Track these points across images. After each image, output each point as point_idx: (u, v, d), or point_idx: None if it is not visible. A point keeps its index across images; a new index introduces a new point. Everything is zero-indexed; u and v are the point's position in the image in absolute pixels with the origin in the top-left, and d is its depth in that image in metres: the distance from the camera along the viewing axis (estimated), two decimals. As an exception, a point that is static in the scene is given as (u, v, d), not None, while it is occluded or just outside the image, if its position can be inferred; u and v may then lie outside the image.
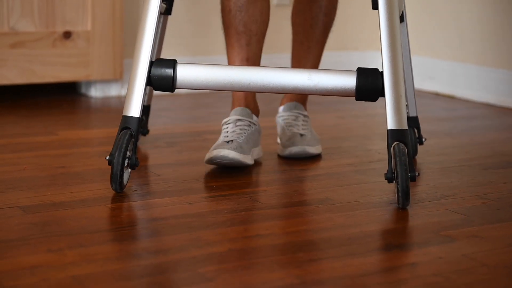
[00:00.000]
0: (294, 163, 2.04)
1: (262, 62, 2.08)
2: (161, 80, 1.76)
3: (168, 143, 2.23)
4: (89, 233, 1.51)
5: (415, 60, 2.45)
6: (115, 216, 1.62)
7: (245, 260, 1.40)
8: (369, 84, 1.74)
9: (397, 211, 1.67)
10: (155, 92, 2.54)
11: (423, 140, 2.12)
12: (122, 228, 1.56)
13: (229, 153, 1.87)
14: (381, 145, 2.27)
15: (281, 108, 2.20)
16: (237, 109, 2.00)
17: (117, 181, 1.69)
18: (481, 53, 3.04)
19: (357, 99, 1.76)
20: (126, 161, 1.71)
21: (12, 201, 1.67)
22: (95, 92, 2.87)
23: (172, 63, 1.76)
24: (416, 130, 2.11)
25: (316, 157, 2.10)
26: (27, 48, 2.65)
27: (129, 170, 1.75)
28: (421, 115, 2.27)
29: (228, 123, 1.98)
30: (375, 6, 1.74)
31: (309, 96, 2.36)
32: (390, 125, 1.69)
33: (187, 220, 1.59)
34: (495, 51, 3.00)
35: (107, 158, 1.68)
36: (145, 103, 2.17)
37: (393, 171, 1.66)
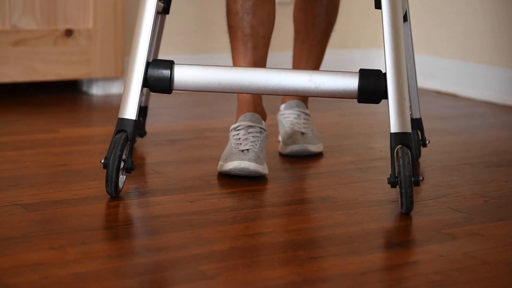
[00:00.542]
0: (295, 161, 2.04)
1: (263, 60, 2.07)
2: (157, 81, 1.72)
3: (169, 141, 2.23)
4: (91, 231, 1.51)
5: (417, 58, 2.45)
6: (117, 214, 1.62)
7: (246, 258, 1.40)
8: (371, 86, 1.70)
9: (398, 209, 1.67)
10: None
11: (427, 142, 2.07)
12: (124, 225, 1.56)
13: (250, 165, 1.83)
14: (383, 143, 2.27)
15: (282, 106, 2.20)
16: (247, 114, 1.95)
17: (112, 185, 1.65)
18: (483, 51, 3.04)
19: (359, 101, 1.72)
20: (122, 164, 1.67)
21: (13, 199, 1.67)
22: (97, 90, 2.87)
23: (169, 64, 1.72)
24: (419, 132, 2.06)
25: (317, 155, 2.10)
26: (28, 46, 2.65)
27: (125, 173, 1.71)
28: (423, 113, 2.27)
29: (239, 129, 1.92)
30: (378, 5, 1.70)
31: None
32: (393, 128, 1.65)
33: (188, 218, 1.60)
34: (497, 49, 3.00)
35: (102, 161, 1.65)
36: (142, 104, 2.14)
37: (396, 175, 1.62)
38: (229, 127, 1.98)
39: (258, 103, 1.99)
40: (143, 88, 1.72)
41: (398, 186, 1.62)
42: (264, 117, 1.99)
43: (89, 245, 1.44)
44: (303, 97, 2.18)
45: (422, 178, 1.62)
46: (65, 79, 2.77)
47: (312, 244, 1.50)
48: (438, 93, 3.16)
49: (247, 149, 1.86)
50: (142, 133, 2.17)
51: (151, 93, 2.14)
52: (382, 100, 1.72)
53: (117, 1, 2.75)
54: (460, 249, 1.47)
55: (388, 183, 1.63)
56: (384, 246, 1.49)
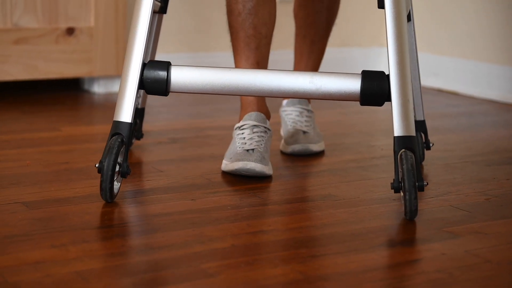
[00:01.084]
0: (297, 159, 2.04)
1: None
2: (154, 83, 1.68)
3: (171, 139, 2.23)
4: (92, 229, 1.51)
5: (418, 56, 2.45)
6: (119, 212, 1.62)
7: (248, 256, 1.40)
8: (374, 88, 1.66)
9: (400, 207, 1.67)
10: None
11: (431, 145, 2.03)
12: (125, 224, 1.56)
13: (256, 166, 1.82)
14: (384, 141, 2.27)
15: (284, 102, 2.19)
16: (251, 114, 1.94)
17: (107, 191, 1.60)
18: (484, 49, 3.04)
19: (361, 104, 1.68)
20: (117, 168, 1.63)
21: (15, 197, 1.67)
22: (98, 88, 2.87)
23: (166, 65, 1.68)
24: (423, 135, 2.02)
25: (319, 154, 2.10)
26: (30, 44, 2.65)
27: (121, 178, 1.67)
28: (424, 111, 2.26)
29: (244, 129, 1.91)
30: (381, 5, 1.66)
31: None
32: (397, 131, 1.61)
33: (190, 216, 1.60)
34: (498, 48, 2.99)
35: (96, 165, 1.60)
36: (138, 106, 2.10)
37: (400, 180, 1.58)
38: (230, 126, 1.98)
39: (262, 102, 1.98)
40: (139, 90, 1.69)
41: (401, 192, 1.59)
42: (268, 116, 1.99)
43: (90, 243, 1.44)
44: None
45: (427, 183, 1.58)
46: (66, 77, 2.77)
47: (314, 242, 1.50)
48: (440, 91, 3.16)
49: (252, 149, 1.86)
50: (139, 136, 2.12)
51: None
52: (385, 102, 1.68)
53: (118, -1, 2.76)
54: (462, 247, 1.47)
55: (392, 188, 1.59)
56: (386, 244, 1.49)
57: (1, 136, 2.19)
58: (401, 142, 1.61)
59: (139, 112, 2.10)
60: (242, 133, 1.90)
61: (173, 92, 1.71)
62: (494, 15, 3.00)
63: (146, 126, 2.38)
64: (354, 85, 1.67)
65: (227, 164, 1.86)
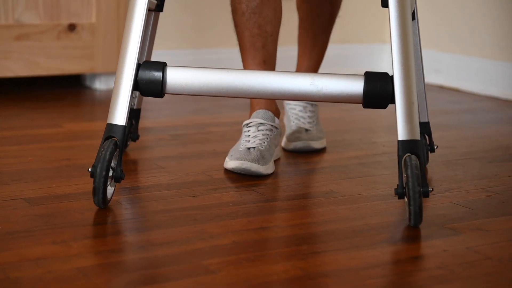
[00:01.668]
0: (299, 156, 2.04)
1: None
2: (149, 84, 1.62)
3: (172, 135, 2.23)
4: (94, 225, 1.51)
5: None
6: (120, 208, 1.62)
7: (249, 253, 1.40)
8: (378, 90, 1.60)
9: (402, 204, 1.67)
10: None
11: (435, 147, 1.96)
12: (127, 220, 1.56)
13: (251, 166, 1.82)
14: (386, 138, 2.26)
15: (289, 95, 2.19)
16: (259, 111, 1.93)
17: (99, 196, 1.54)
18: (486, 46, 3.04)
19: (364, 107, 1.63)
20: (111, 173, 1.58)
21: (17, 193, 1.67)
22: (100, 85, 2.87)
23: (161, 66, 1.63)
24: (427, 137, 1.96)
25: (320, 150, 2.10)
26: (31, 41, 2.65)
27: (114, 183, 1.61)
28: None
29: (250, 126, 1.91)
30: (385, 3, 1.61)
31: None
32: (401, 135, 1.55)
33: (191, 212, 1.60)
34: (500, 44, 2.99)
35: (89, 170, 1.55)
36: (134, 107, 2.02)
37: (403, 185, 1.53)
38: (232, 122, 1.98)
39: (271, 100, 1.97)
40: (134, 91, 1.63)
41: (406, 198, 1.55)
42: (277, 114, 1.99)
43: (92, 239, 1.44)
44: None
45: (432, 189, 1.53)
46: (68, 74, 2.77)
47: (315, 238, 1.51)
48: (442, 88, 3.16)
49: (254, 147, 1.86)
50: (135, 137, 2.04)
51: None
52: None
53: (120, -5, 2.76)
54: (463, 244, 1.47)
55: (395, 194, 1.55)
56: (387, 241, 1.49)
57: (3, 132, 2.19)
58: (406, 147, 1.55)
59: (135, 113, 2.04)
60: (248, 131, 1.91)
61: (169, 94, 1.67)
62: (496, 11, 3.00)
63: (147, 122, 2.38)
64: (356, 86, 1.62)
65: (227, 162, 1.87)
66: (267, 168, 1.85)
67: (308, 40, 2.15)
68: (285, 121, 2.17)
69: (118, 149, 1.59)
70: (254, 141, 1.87)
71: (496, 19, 3.00)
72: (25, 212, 1.56)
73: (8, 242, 1.41)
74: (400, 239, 1.50)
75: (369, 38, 3.40)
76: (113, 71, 2.82)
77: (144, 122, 2.36)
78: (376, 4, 1.87)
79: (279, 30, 1.95)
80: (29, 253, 1.36)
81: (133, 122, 2.03)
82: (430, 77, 3.22)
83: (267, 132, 1.90)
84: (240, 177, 1.84)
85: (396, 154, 1.58)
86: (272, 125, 1.92)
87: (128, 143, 2.05)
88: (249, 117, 1.96)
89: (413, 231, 1.55)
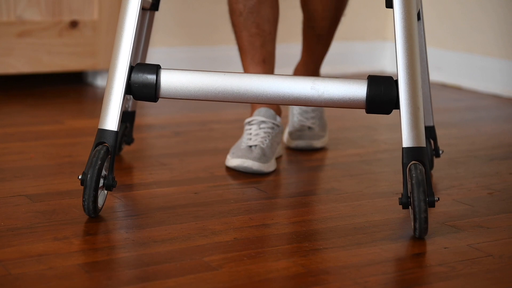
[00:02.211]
0: (300, 153, 2.04)
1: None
2: (142, 88, 1.54)
3: (174, 132, 2.23)
4: (95, 222, 1.51)
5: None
6: (121, 205, 1.62)
7: (251, 250, 1.41)
8: (381, 95, 1.52)
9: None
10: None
11: (440, 152, 1.90)
12: (128, 217, 1.56)
13: (253, 165, 1.82)
14: (387, 135, 2.26)
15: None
16: (261, 109, 1.93)
17: (90, 204, 1.48)
18: (488, 43, 3.04)
19: (367, 112, 1.55)
20: (102, 181, 1.51)
21: (19, 190, 1.67)
22: (102, 82, 2.87)
23: (155, 69, 1.55)
24: (432, 142, 1.89)
25: (322, 147, 2.10)
26: (33, 37, 2.65)
27: (105, 191, 1.55)
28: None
29: (252, 124, 1.91)
30: (389, 4, 1.54)
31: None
32: (406, 142, 1.48)
33: (193, 209, 1.60)
34: (502, 42, 2.99)
35: (79, 177, 1.48)
36: (129, 109, 1.95)
37: (408, 195, 1.47)
38: (234, 119, 1.98)
39: None
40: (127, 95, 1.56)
41: (410, 208, 1.47)
42: (279, 112, 1.99)
43: (93, 236, 1.45)
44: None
45: (438, 198, 1.46)
46: (70, 71, 2.77)
47: (317, 235, 1.51)
48: (443, 86, 3.15)
49: (255, 145, 1.86)
50: (129, 141, 1.97)
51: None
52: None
53: (122, -8, 2.75)
54: (465, 241, 1.47)
55: (400, 204, 1.48)
56: (389, 238, 1.49)
57: (5, 129, 2.19)
58: (410, 154, 1.48)
59: (129, 116, 1.96)
60: (250, 129, 1.91)
61: (163, 98, 1.59)
62: (498, 8, 2.99)
63: (149, 119, 2.39)
64: (359, 91, 1.54)
65: (228, 160, 1.87)
66: (268, 166, 1.86)
67: (312, 38, 2.14)
68: (289, 115, 2.17)
69: (109, 156, 1.52)
70: (256, 139, 1.88)
71: (498, 16, 2.99)
72: (26, 208, 1.56)
73: (10, 238, 1.41)
74: (401, 237, 1.50)
75: (371, 35, 3.40)
76: (115, 68, 2.82)
77: (146, 119, 2.37)
78: (378, 1, 1.86)
79: (277, 28, 1.95)
80: (30, 250, 1.36)
81: (128, 125, 1.95)
82: (432, 75, 3.22)
83: (269, 130, 1.90)
84: (242, 174, 1.84)
85: (397, 153, 1.58)
86: (273, 123, 1.92)
87: (123, 146, 1.98)
88: (251, 115, 1.96)
89: (414, 228, 1.56)
